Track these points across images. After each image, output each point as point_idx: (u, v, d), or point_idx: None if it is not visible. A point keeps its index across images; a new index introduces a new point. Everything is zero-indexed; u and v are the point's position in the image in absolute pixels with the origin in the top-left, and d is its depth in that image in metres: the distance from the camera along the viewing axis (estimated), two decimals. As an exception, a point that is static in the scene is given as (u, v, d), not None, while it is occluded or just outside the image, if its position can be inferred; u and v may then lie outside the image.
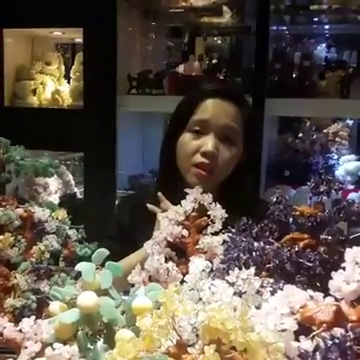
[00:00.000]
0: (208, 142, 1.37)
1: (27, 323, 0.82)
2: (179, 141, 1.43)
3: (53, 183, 3.02)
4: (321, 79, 2.80)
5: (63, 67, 3.45)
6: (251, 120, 1.47)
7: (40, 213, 1.10)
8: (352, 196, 2.77)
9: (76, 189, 3.34)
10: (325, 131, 3.40)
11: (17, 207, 1.11)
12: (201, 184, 1.32)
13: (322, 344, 0.51)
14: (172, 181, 1.43)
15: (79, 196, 3.33)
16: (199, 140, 1.39)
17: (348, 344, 0.50)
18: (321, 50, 3.35)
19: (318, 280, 0.78)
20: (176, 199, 1.11)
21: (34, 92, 3.28)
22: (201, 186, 1.29)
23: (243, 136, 1.43)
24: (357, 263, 0.60)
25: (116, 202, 2.86)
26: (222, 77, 2.95)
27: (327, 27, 3.44)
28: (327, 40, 3.37)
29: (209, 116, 1.40)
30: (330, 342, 0.50)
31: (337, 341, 0.50)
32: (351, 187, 2.99)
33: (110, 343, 0.81)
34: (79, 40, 3.16)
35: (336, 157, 3.22)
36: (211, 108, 1.40)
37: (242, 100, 1.47)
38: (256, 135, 1.57)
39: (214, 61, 3.19)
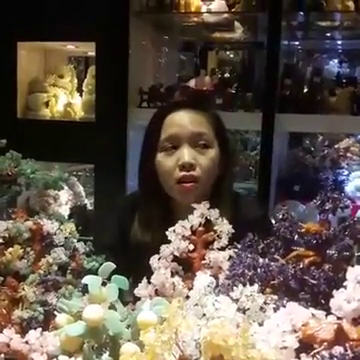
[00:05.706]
0: (183, 154, 1.36)
1: (33, 335, 0.83)
2: (156, 162, 1.41)
3: (64, 194, 3.02)
4: (332, 95, 2.79)
5: (75, 80, 3.47)
6: (219, 123, 1.45)
7: (49, 226, 1.11)
8: (361, 213, 2.75)
9: (86, 200, 3.35)
10: (336, 146, 3.39)
11: (26, 220, 1.12)
12: (187, 198, 1.33)
13: (321, 363, 0.51)
14: (156, 201, 1.42)
15: (89, 207, 3.34)
16: (174, 155, 1.38)
17: (347, 363, 0.50)
18: (333, 65, 3.35)
19: (322, 298, 0.78)
20: (165, 220, 1.13)
21: (46, 104, 3.30)
22: (187, 200, 1.29)
23: (216, 140, 1.41)
24: (359, 282, 0.60)
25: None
26: (233, 91, 2.95)
27: (339, 43, 3.45)
28: (339, 56, 3.38)
29: (176, 129, 1.39)
30: (329, 361, 0.50)
31: (336, 360, 0.50)
32: (361, 203, 2.97)
33: (115, 356, 0.82)
34: (92, 53, 3.18)
35: (347, 173, 3.20)
36: (176, 121, 1.40)
37: (203, 106, 1.46)
38: (228, 137, 1.53)
39: (226, 75, 3.20)
